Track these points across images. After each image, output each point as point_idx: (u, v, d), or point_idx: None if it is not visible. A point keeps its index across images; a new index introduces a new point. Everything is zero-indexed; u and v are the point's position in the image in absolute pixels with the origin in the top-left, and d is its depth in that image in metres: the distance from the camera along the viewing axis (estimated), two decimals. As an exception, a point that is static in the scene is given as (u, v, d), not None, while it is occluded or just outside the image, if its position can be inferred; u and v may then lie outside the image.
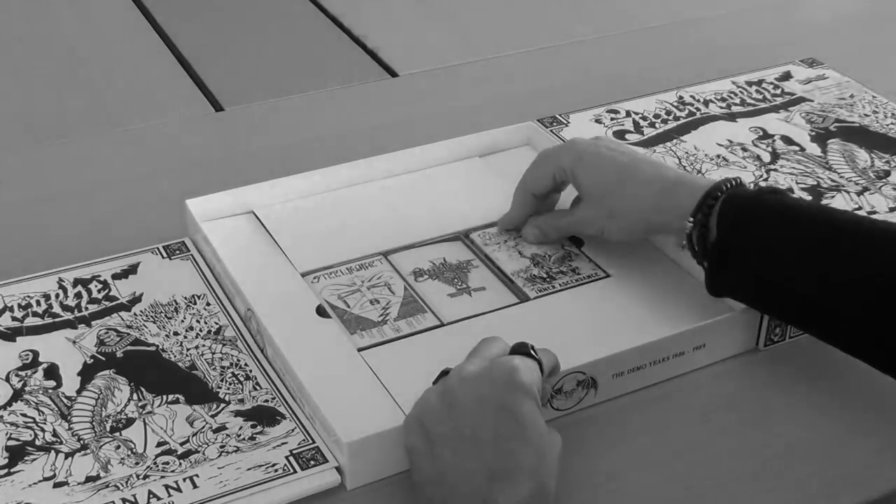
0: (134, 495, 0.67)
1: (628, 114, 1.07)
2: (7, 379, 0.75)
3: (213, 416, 0.73)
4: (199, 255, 0.88)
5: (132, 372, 0.77)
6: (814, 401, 0.77)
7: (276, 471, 0.69)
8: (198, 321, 0.81)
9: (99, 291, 0.83)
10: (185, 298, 0.83)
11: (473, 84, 1.19)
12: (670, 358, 0.78)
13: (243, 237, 0.89)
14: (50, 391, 0.75)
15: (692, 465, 0.72)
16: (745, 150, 1.02)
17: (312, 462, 0.69)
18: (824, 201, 0.94)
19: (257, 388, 0.75)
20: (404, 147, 0.98)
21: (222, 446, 0.71)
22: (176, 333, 0.80)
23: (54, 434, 0.72)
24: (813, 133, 1.05)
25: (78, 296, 0.83)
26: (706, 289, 0.79)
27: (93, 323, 0.81)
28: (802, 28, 1.32)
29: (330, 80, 1.19)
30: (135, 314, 0.82)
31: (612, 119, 1.06)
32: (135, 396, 0.75)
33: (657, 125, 1.05)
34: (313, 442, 0.71)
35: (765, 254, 0.75)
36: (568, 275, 0.86)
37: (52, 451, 0.70)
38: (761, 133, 1.04)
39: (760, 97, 1.11)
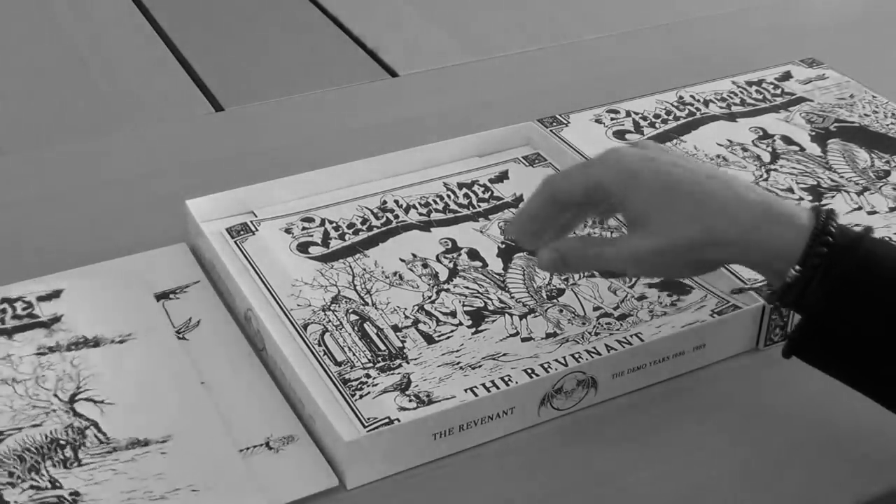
0: (594, 347, 0.77)
1: (628, 114, 1.07)
2: (438, 260, 0.86)
3: (630, 288, 0.83)
4: (199, 255, 0.88)
5: None
6: (814, 401, 0.77)
7: (703, 322, 0.79)
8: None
9: (484, 192, 0.94)
10: None
11: (473, 84, 1.19)
12: (670, 358, 0.78)
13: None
14: (480, 269, 0.85)
15: (692, 465, 0.72)
16: (745, 150, 1.02)
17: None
18: (824, 201, 0.94)
19: None
20: (404, 147, 0.98)
21: (650, 311, 0.81)
22: None
23: (500, 301, 0.81)
24: (813, 133, 1.05)
25: (466, 196, 0.93)
26: (789, 337, 0.70)
27: (490, 217, 0.91)
28: (802, 28, 1.32)
29: (330, 80, 1.19)
30: None
31: (612, 119, 1.06)
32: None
33: (657, 125, 1.05)
34: (728, 302, 0.81)
35: (875, 336, 0.66)
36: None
37: (507, 314, 0.80)
38: (761, 133, 1.04)
39: (760, 97, 1.11)
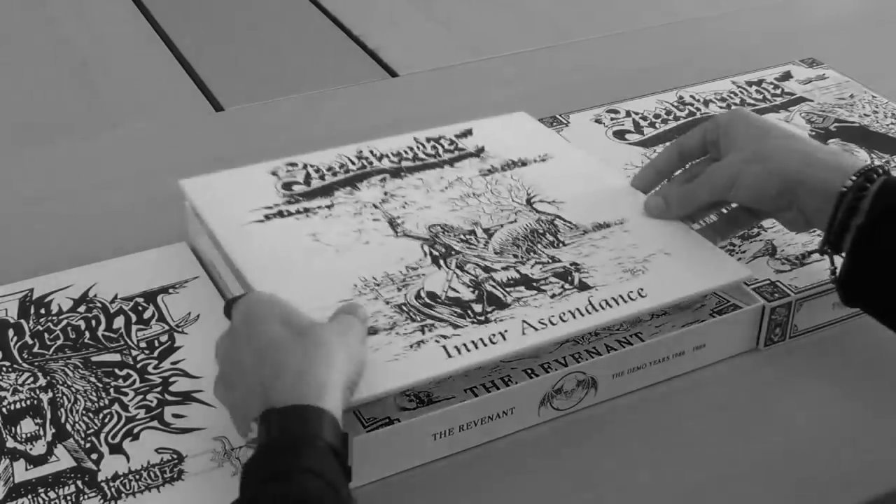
0: (594, 347, 0.78)
1: (628, 114, 1.07)
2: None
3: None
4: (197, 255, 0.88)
5: None
6: (813, 400, 0.77)
7: (703, 322, 0.80)
8: None
9: None
10: None
11: (473, 84, 1.19)
12: (670, 358, 0.78)
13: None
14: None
15: (692, 465, 0.72)
16: (745, 150, 1.02)
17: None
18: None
19: None
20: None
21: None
22: None
23: None
24: (813, 133, 1.05)
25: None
26: (838, 279, 0.74)
27: None
28: (802, 28, 1.32)
29: (330, 80, 1.19)
30: None
31: (612, 119, 1.06)
32: None
33: (657, 125, 1.05)
34: (728, 302, 0.82)
35: None
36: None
37: None
38: (761, 133, 1.04)
39: (760, 97, 1.11)
